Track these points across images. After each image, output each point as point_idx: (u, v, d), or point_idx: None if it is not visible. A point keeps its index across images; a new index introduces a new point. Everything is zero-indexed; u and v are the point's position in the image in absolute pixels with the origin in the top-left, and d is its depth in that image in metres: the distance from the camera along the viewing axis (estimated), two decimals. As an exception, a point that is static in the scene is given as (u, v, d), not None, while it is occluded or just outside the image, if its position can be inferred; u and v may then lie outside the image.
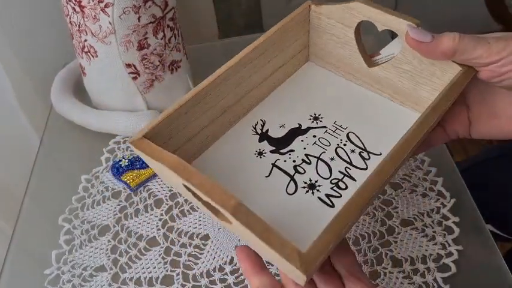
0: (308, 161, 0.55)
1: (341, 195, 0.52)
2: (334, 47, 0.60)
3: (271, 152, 0.56)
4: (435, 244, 0.59)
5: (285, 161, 0.55)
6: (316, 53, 0.63)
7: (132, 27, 0.67)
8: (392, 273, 0.58)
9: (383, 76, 0.58)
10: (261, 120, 0.59)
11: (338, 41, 0.59)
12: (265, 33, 0.57)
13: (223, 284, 0.58)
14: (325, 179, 0.53)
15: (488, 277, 0.57)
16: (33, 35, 0.90)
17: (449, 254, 0.58)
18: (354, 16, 0.56)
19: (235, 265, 0.60)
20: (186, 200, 0.67)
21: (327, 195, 0.52)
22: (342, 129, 0.57)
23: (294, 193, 0.52)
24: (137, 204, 0.68)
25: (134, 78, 0.72)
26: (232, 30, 1.09)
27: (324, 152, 0.55)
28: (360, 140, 0.56)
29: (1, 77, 0.87)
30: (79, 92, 0.82)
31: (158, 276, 0.60)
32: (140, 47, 0.70)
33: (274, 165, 0.55)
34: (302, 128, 0.58)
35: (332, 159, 0.55)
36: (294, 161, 0.55)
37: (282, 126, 0.58)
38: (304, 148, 0.56)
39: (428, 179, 0.65)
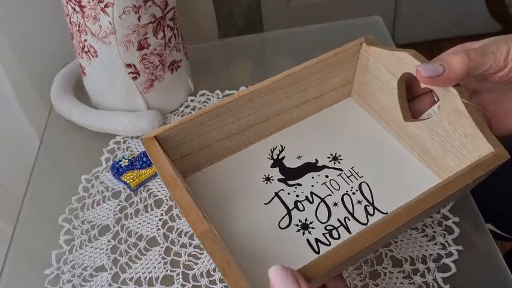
0: (311, 200, 0.54)
1: (330, 244, 0.51)
2: (377, 90, 0.59)
3: (279, 180, 0.56)
4: (435, 244, 0.59)
5: (288, 193, 0.55)
6: (359, 92, 0.61)
7: (132, 27, 0.67)
8: (393, 273, 0.57)
9: (416, 133, 0.56)
10: (281, 146, 0.59)
11: (381, 86, 0.58)
12: (303, 64, 0.56)
13: (223, 284, 0.58)
14: (321, 222, 0.52)
15: (488, 277, 0.57)
16: (33, 35, 0.90)
17: (450, 254, 0.58)
18: (401, 66, 0.54)
19: (235, 265, 0.60)
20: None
21: (316, 240, 0.51)
22: (357, 176, 0.56)
23: (285, 228, 0.52)
24: (137, 204, 0.68)
25: (134, 78, 0.72)
26: (232, 30, 1.09)
27: (330, 195, 0.55)
28: (371, 193, 0.55)
29: (1, 76, 0.87)
30: (79, 91, 0.82)
31: (158, 276, 0.60)
32: (140, 47, 0.70)
33: (277, 194, 0.55)
34: (318, 164, 0.57)
35: (335, 204, 0.54)
36: (298, 196, 0.55)
37: (298, 157, 0.58)
38: (312, 186, 0.55)
39: (428, 179, 0.65)
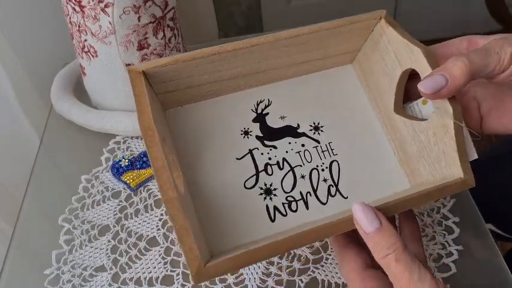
0: (281, 166, 0.54)
1: (286, 215, 0.51)
2: (379, 71, 0.57)
3: (257, 137, 0.55)
4: (435, 244, 0.59)
5: (262, 153, 0.54)
6: (361, 63, 0.59)
7: (132, 27, 0.67)
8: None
9: (400, 128, 0.55)
10: (268, 100, 0.57)
11: (384, 69, 0.56)
12: (313, 26, 0.53)
13: (224, 284, 0.58)
14: (284, 191, 0.52)
15: (488, 277, 0.57)
16: (34, 34, 0.90)
17: (449, 254, 0.58)
18: (410, 59, 0.52)
19: (235, 265, 0.60)
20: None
21: (275, 208, 0.51)
22: (331, 153, 0.55)
23: (249, 188, 0.52)
24: (137, 204, 0.68)
25: (134, 78, 0.72)
26: (232, 30, 1.09)
27: (300, 166, 0.54)
28: (339, 174, 0.54)
29: (1, 76, 0.87)
30: (79, 91, 0.82)
31: (158, 276, 0.60)
32: (140, 47, 0.70)
33: (250, 152, 0.54)
34: (298, 130, 0.56)
35: (303, 177, 0.53)
36: (270, 159, 0.54)
37: (282, 117, 0.56)
38: (287, 152, 0.55)
39: (428, 179, 0.65)
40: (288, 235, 0.42)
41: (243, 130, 0.55)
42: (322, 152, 0.55)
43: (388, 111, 0.56)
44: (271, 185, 0.52)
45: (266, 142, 0.55)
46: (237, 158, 0.53)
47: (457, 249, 0.59)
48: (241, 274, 0.59)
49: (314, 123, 0.56)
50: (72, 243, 0.64)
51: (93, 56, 0.71)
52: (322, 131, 0.56)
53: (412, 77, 0.54)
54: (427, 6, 1.83)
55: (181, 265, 0.61)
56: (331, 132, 0.56)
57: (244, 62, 0.53)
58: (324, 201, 0.53)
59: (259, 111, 0.56)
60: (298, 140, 0.55)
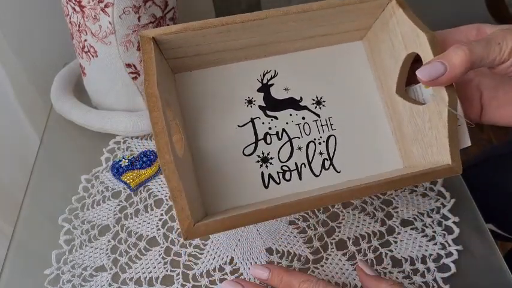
0: (280, 137, 0.56)
1: (279, 183, 0.54)
2: (385, 51, 0.57)
3: (259, 107, 0.56)
4: (435, 244, 0.59)
5: (263, 123, 0.56)
6: (370, 41, 0.60)
7: (132, 27, 0.67)
8: (392, 273, 0.58)
9: (399, 109, 0.56)
10: (274, 71, 0.58)
11: (391, 49, 0.56)
12: (323, 2, 0.53)
13: (224, 284, 0.58)
14: (280, 161, 0.55)
15: (488, 277, 0.57)
16: (33, 34, 0.90)
17: (449, 254, 0.58)
18: (415, 43, 0.52)
19: (235, 265, 0.60)
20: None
21: (270, 176, 0.54)
22: (330, 128, 0.57)
23: (247, 155, 0.54)
24: (137, 204, 0.68)
25: (134, 78, 0.72)
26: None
27: (298, 138, 0.56)
28: (335, 149, 0.56)
29: (1, 76, 0.87)
30: (79, 91, 0.82)
31: (158, 276, 0.60)
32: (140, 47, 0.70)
33: (252, 120, 0.56)
34: (300, 103, 0.57)
35: (299, 148, 0.55)
36: (270, 128, 0.56)
37: (286, 89, 0.58)
38: (287, 123, 0.56)
39: (429, 179, 0.65)
40: (272, 204, 0.45)
41: (247, 99, 0.57)
42: (322, 126, 0.57)
43: (391, 91, 0.57)
44: (268, 154, 0.55)
45: (268, 112, 0.56)
46: (238, 126, 0.55)
47: (457, 249, 0.59)
48: (242, 274, 0.59)
49: (317, 98, 0.58)
50: (72, 243, 0.64)
51: (93, 56, 0.71)
52: (323, 105, 0.58)
53: (418, 59, 0.54)
54: (426, 6, 1.83)
55: (181, 265, 0.61)
56: (333, 107, 0.58)
57: (253, 34, 0.54)
58: (317, 173, 0.55)
59: (264, 81, 0.58)
60: (299, 112, 0.57)
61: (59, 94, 0.80)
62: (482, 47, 0.47)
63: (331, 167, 0.55)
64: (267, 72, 0.58)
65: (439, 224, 0.61)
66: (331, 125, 0.57)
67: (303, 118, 0.57)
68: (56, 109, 0.80)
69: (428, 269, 0.57)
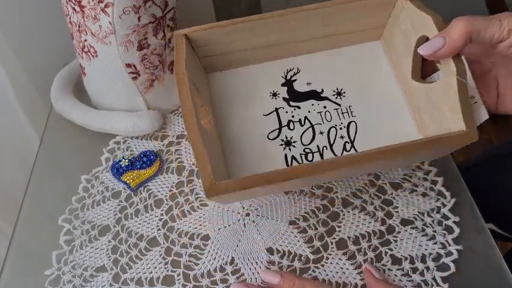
0: (302, 123, 0.60)
1: (302, 163, 0.57)
2: (398, 43, 0.60)
3: (283, 99, 0.62)
4: (435, 243, 0.59)
5: (286, 112, 0.61)
6: (386, 38, 0.64)
7: (132, 27, 0.67)
8: (392, 270, 0.58)
9: (416, 93, 0.58)
10: (297, 68, 0.64)
11: (403, 40, 0.59)
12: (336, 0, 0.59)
13: (225, 285, 0.59)
14: (302, 144, 0.58)
15: (488, 277, 0.57)
16: (33, 34, 0.90)
17: (449, 254, 0.58)
18: (423, 26, 0.55)
19: (236, 265, 0.60)
20: (186, 200, 0.67)
21: (293, 157, 0.57)
22: (350, 115, 0.60)
23: (272, 139, 0.59)
24: (137, 205, 0.68)
25: (134, 78, 0.72)
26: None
27: (320, 124, 0.60)
28: (355, 133, 0.58)
29: (1, 76, 0.87)
30: (79, 91, 0.81)
31: (159, 277, 0.60)
32: (140, 47, 0.70)
33: (276, 110, 0.61)
34: (322, 94, 0.62)
35: (321, 133, 0.58)
36: (293, 116, 0.60)
37: (308, 83, 0.63)
38: (309, 112, 0.61)
39: (429, 179, 0.65)
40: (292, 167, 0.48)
41: (272, 92, 0.62)
42: (342, 113, 0.61)
43: (407, 79, 0.59)
44: (291, 138, 0.58)
45: (291, 103, 0.62)
46: (263, 114, 0.61)
47: (457, 249, 0.59)
48: (243, 274, 0.59)
49: (337, 89, 0.62)
50: (72, 243, 0.64)
51: (93, 56, 0.71)
52: (344, 96, 0.62)
53: None
54: (426, 6, 1.83)
55: (181, 265, 0.61)
56: (353, 97, 0.62)
57: (274, 31, 0.60)
58: (339, 155, 0.57)
59: (288, 77, 0.63)
60: (320, 102, 0.62)
61: (59, 94, 0.80)
62: (483, 20, 0.49)
63: (352, 149, 0.57)
64: (290, 70, 0.63)
65: (440, 223, 0.61)
66: (351, 112, 0.60)
67: (324, 107, 0.61)
68: (56, 109, 0.80)
69: (427, 268, 0.58)
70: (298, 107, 0.61)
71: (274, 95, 0.62)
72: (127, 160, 0.72)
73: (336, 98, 0.61)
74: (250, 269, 0.59)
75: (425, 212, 0.62)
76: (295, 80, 0.63)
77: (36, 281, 0.61)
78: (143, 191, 0.69)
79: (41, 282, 0.61)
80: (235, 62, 0.63)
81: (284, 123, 0.60)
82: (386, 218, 0.62)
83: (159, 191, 0.69)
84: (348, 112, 0.60)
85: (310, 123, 0.59)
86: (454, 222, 0.61)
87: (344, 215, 0.63)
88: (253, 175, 0.47)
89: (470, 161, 0.90)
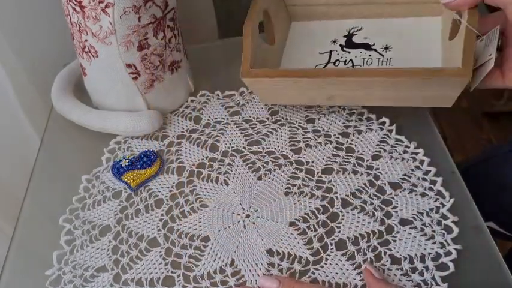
0: (346, 63, 0.74)
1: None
2: (448, 13, 0.68)
3: (340, 45, 0.76)
4: (434, 243, 0.60)
5: (337, 53, 0.75)
6: (443, 13, 0.73)
7: (133, 28, 0.67)
8: (391, 270, 0.58)
9: (448, 50, 0.67)
10: (361, 27, 0.77)
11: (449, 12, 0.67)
12: None
13: (225, 286, 0.59)
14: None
15: (487, 277, 0.57)
16: (34, 35, 0.90)
17: (448, 253, 0.58)
18: None
19: (236, 267, 0.60)
20: (186, 201, 0.67)
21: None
22: (389, 64, 0.72)
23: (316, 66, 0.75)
24: (138, 205, 0.68)
25: (135, 79, 0.72)
26: (232, 30, 1.09)
27: (359, 66, 0.73)
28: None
29: (2, 77, 0.87)
30: (79, 92, 0.82)
31: (159, 277, 0.60)
32: (140, 47, 0.70)
33: (330, 51, 0.76)
34: (371, 46, 0.75)
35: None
36: (341, 57, 0.75)
37: (365, 38, 0.76)
38: (355, 56, 0.74)
39: (428, 179, 0.66)
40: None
41: (333, 39, 0.77)
42: (382, 62, 0.72)
43: (447, 42, 0.68)
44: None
45: (344, 48, 0.76)
46: (319, 52, 0.76)
47: (456, 249, 0.59)
48: (243, 276, 0.59)
49: (386, 45, 0.74)
50: (73, 243, 0.65)
51: (93, 56, 0.71)
52: (390, 50, 0.74)
53: None
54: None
55: (182, 266, 0.61)
56: (397, 53, 0.73)
57: None
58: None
59: (351, 31, 0.77)
60: (368, 52, 0.74)
61: (60, 94, 0.80)
62: None
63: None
64: (354, 27, 0.77)
65: (439, 223, 0.61)
66: (390, 63, 0.72)
67: (369, 55, 0.74)
68: (56, 109, 0.80)
69: (427, 268, 0.58)
70: (349, 52, 0.75)
71: (334, 41, 0.77)
72: (127, 160, 0.72)
73: (383, 50, 0.74)
74: (250, 270, 0.59)
75: (425, 211, 0.63)
76: (355, 35, 0.77)
77: (36, 281, 0.61)
78: (144, 191, 0.69)
79: (42, 282, 0.61)
80: (315, 15, 0.79)
81: (332, 60, 0.75)
82: (386, 218, 0.62)
83: (159, 191, 0.69)
84: (387, 62, 0.72)
85: (353, 64, 0.73)
86: (453, 222, 0.61)
87: (343, 215, 0.63)
88: (279, 69, 0.68)
89: (469, 161, 0.90)
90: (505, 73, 0.61)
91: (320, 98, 0.69)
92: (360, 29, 0.77)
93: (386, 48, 0.73)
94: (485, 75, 0.60)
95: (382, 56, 0.72)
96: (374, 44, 0.74)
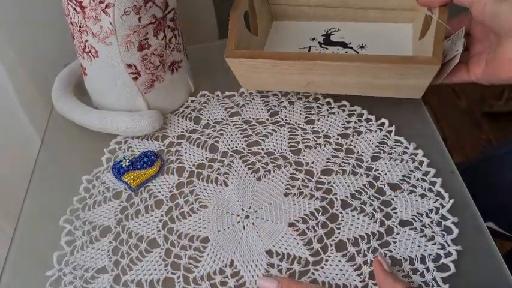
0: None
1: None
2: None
3: (318, 42, 0.82)
4: (434, 244, 0.60)
5: (316, 49, 0.81)
6: (416, 21, 0.80)
7: (133, 28, 0.67)
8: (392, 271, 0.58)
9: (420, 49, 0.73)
10: (338, 28, 0.84)
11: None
12: None
13: (224, 287, 0.59)
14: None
15: (487, 277, 0.57)
16: (34, 35, 0.90)
17: (449, 254, 0.59)
18: None
19: (235, 268, 0.60)
20: (186, 202, 0.67)
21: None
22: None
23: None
24: (138, 205, 0.68)
25: (135, 79, 0.72)
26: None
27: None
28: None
29: (2, 77, 0.87)
30: (80, 92, 0.82)
31: (159, 279, 0.60)
32: (141, 48, 0.70)
33: (309, 47, 0.82)
34: (348, 45, 0.81)
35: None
36: (319, 52, 0.80)
37: (342, 38, 0.82)
38: (333, 52, 0.80)
39: (428, 180, 0.66)
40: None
41: (312, 37, 0.83)
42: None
43: (418, 42, 0.75)
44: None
45: (322, 46, 0.82)
46: (299, 48, 0.82)
47: (456, 250, 0.59)
48: (242, 276, 0.59)
49: (362, 44, 0.80)
50: (73, 244, 0.65)
51: (94, 57, 0.71)
52: (365, 49, 0.80)
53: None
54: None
55: (182, 268, 0.61)
56: (372, 52, 0.77)
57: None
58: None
59: (328, 32, 0.84)
60: (344, 49, 0.81)
61: (60, 94, 0.80)
62: None
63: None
64: (332, 28, 0.84)
65: (438, 224, 0.61)
66: None
67: (346, 52, 0.80)
68: (57, 109, 0.80)
69: (427, 269, 0.58)
70: (326, 49, 0.81)
71: (313, 39, 0.83)
72: (128, 160, 0.72)
73: (358, 48, 0.80)
74: (250, 271, 0.59)
75: (424, 213, 0.63)
76: (333, 34, 0.83)
77: (37, 282, 0.61)
78: (144, 192, 0.69)
79: (42, 283, 0.61)
80: (296, 16, 0.85)
81: (311, 50, 0.81)
82: (385, 219, 0.63)
83: (159, 192, 0.69)
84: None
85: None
86: (453, 223, 0.61)
87: (343, 216, 0.63)
88: (262, 51, 0.74)
89: (468, 162, 0.90)
90: (470, 68, 0.68)
91: (299, 85, 0.73)
92: (337, 30, 0.83)
93: (362, 47, 0.80)
94: (453, 70, 0.66)
95: (358, 53, 0.79)
96: (350, 43, 0.81)
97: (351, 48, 0.80)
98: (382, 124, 0.73)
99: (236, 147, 0.73)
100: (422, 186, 0.65)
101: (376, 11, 0.81)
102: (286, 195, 0.66)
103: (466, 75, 0.68)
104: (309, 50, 0.80)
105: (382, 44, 0.80)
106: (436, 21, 0.66)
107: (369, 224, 0.62)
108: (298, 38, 0.83)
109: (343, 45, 0.81)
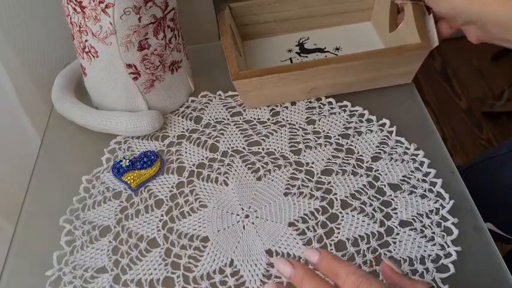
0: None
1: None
2: (380, 11, 0.84)
3: (296, 52, 0.86)
4: (434, 245, 0.60)
5: (297, 59, 0.85)
6: (373, 18, 0.88)
7: (133, 28, 0.67)
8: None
9: (393, 41, 0.79)
10: (308, 37, 0.89)
11: (383, 8, 0.82)
12: None
13: (224, 286, 0.59)
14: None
15: (487, 278, 0.57)
16: (34, 35, 0.90)
17: (448, 255, 0.59)
18: None
19: (235, 267, 0.60)
20: (186, 201, 0.67)
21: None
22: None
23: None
24: (138, 205, 0.68)
25: (135, 79, 0.72)
26: (232, 30, 1.10)
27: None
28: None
29: (2, 77, 0.87)
30: (80, 92, 0.82)
31: (159, 278, 0.60)
32: (141, 48, 0.70)
33: (290, 58, 0.85)
34: (324, 49, 0.86)
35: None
36: (302, 61, 0.83)
37: (315, 44, 0.87)
38: (314, 59, 0.83)
39: (428, 180, 0.66)
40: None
41: (288, 49, 0.87)
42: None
43: (387, 35, 0.82)
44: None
45: (301, 54, 0.86)
46: (281, 60, 0.85)
47: (456, 250, 0.59)
48: (242, 276, 0.59)
49: (336, 47, 0.86)
50: (73, 244, 0.65)
51: (93, 57, 0.71)
52: (341, 50, 0.85)
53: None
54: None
55: (181, 267, 0.61)
56: (348, 52, 0.77)
57: (294, 7, 0.86)
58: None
59: (300, 41, 0.88)
60: (323, 54, 0.85)
61: (60, 94, 0.80)
62: None
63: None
64: (302, 38, 0.88)
65: (438, 225, 0.61)
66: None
67: (326, 56, 0.84)
68: (56, 109, 0.80)
69: (427, 270, 0.58)
70: (306, 57, 0.85)
71: (290, 50, 0.86)
72: (128, 160, 0.72)
73: (335, 51, 0.85)
74: (250, 271, 0.59)
75: (424, 213, 0.63)
76: (305, 43, 0.87)
77: (36, 282, 0.61)
78: (144, 191, 0.69)
79: (42, 283, 0.61)
80: (264, 32, 0.88)
81: (292, 61, 0.84)
82: (385, 219, 0.63)
83: (159, 191, 0.69)
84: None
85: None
86: (453, 223, 0.61)
87: (343, 216, 0.63)
88: (265, 68, 0.72)
89: (469, 163, 0.90)
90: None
91: (302, 92, 0.77)
92: (307, 39, 0.88)
93: (337, 49, 0.86)
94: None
95: (337, 55, 0.83)
96: (325, 48, 0.86)
97: (328, 51, 0.85)
98: (383, 124, 0.73)
99: (236, 146, 0.73)
100: (422, 187, 0.65)
101: (337, 16, 0.88)
102: (286, 194, 0.66)
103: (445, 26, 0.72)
104: (291, 61, 0.84)
105: (354, 44, 0.85)
106: (411, 10, 0.73)
107: (369, 224, 0.62)
108: (275, 53, 0.87)
109: (320, 50, 0.86)
